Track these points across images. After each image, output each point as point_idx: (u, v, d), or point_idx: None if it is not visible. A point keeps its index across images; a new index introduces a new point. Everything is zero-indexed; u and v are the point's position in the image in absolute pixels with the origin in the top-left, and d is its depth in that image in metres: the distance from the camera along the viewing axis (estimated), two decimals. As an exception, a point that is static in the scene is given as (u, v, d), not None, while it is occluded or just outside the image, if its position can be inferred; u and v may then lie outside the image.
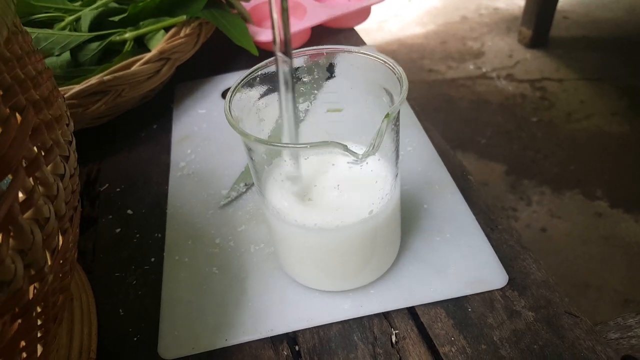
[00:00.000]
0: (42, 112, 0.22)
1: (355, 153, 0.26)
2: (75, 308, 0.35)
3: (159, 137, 0.53)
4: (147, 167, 0.50)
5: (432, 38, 2.23)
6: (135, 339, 0.35)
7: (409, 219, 0.39)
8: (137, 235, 0.42)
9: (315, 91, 0.36)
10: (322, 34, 0.67)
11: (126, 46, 0.51)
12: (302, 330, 0.34)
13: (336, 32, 0.68)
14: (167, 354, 0.33)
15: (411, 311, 0.34)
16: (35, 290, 0.21)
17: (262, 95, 0.33)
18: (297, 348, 0.33)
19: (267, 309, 0.35)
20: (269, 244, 0.39)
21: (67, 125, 0.25)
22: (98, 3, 0.52)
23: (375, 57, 0.31)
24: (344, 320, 0.34)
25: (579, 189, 1.43)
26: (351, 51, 0.32)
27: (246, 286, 0.37)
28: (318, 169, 0.30)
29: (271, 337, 0.34)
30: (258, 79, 0.33)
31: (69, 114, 0.26)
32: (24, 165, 0.19)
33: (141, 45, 0.53)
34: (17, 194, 0.19)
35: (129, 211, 0.45)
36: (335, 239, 0.31)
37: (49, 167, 0.21)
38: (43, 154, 0.21)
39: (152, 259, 0.40)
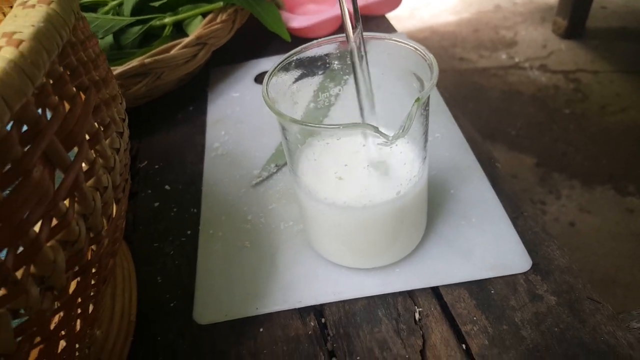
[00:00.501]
0: (101, 92, 0.24)
1: (386, 135, 0.27)
2: (118, 274, 0.37)
3: (195, 119, 0.56)
4: (183, 147, 0.52)
5: (464, 26, 2.21)
6: (171, 305, 0.37)
7: (435, 202, 0.41)
8: (175, 210, 0.45)
9: (346, 76, 0.37)
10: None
11: (165, 31, 0.54)
12: (329, 303, 0.36)
13: (367, 20, 0.69)
14: (202, 320, 0.35)
15: (435, 291, 0.36)
16: (92, 253, 0.23)
17: (297, 80, 0.35)
18: (323, 320, 0.35)
19: (296, 282, 0.37)
20: (298, 221, 0.41)
21: (121, 103, 0.27)
22: (140, -12, 0.55)
23: (407, 44, 0.32)
24: (369, 297, 0.36)
25: (611, 184, 1.41)
26: (383, 38, 0.33)
27: (276, 260, 0.39)
28: (349, 149, 0.31)
29: (299, 309, 0.36)
30: (293, 63, 0.34)
31: (121, 93, 0.29)
32: (87, 139, 0.21)
33: (180, 30, 0.56)
34: (82, 165, 0.21)
35: (167, 187, 0.47)
36: (363, 217, 0.32)
37: (107, 141, 0.23)
38: (102, 129, 0.23)
39: (188, 232, 0.42)
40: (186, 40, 0.50)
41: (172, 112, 0.57)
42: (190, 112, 0.57)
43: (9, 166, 0.18)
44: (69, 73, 0.21)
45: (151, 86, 0.49)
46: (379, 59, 0.34)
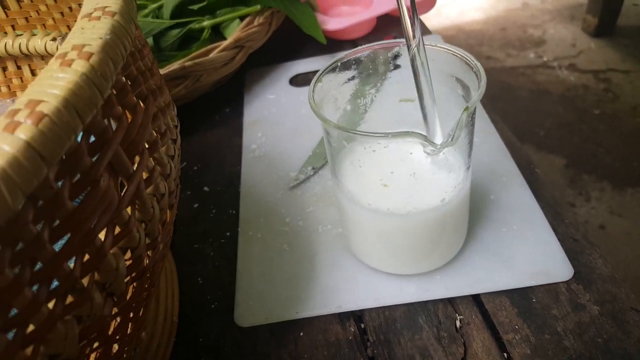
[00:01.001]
0: (157, 100, 0.24)
1: (434, 143, 0.27)
2: (161, 276, 0.38)
3: (232, 121, 0.56)
4: (221, 149, 0.53)
5: (491, 24, 2.18)
6: (212, 306, 0.38)
7: (476, 209, 0.40)
8: (214, 211, 0.45)
9: (380, 82, 0.37)
10: (388, 22, 0.68)
11: (204, 33, 0.54)
12: (369, 309, 0.36)
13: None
14: (243, 322, 0.36)
15: (476, 299, 0.35)
16: (148, 258, 0.24)
17: (340, 84, 0.35)
18: (362, 326, 0.35)
19: (335, 286, 0.37)
20: (336, 225, 0.41)
21: (173, 110, 0.28)
22: (180, -8, 0.55)
23: (453, 52, 0.32)
24: (410, 303, 0.36)
25: (642, 186, 1.39)
26: (427, 44, 0.33)
27: (315, 263, 0.39)
28: (396, 156, 0.31)
29: (339, 313, 0.36)
30: (337, 70, 0.34)
31: (172, 99, 0.29)
32: (147, 147, 0.22)
33: (217, 32, 0.56)
34: (143, 173, 0.21)
35: (206, 188, 0.48)
36: (406, 224, 0.32)
37: (163, 148, 0.24)
38: (159, 137, 0.23)
39: (228, 234, 0.43)
40: (225, 43, 0.51)
41: (209, 114, 0.58)
42: (227, 114, 0.58)
43: (78, 176, 0.18)
44: (129, 83, 0.22)
45: (190, 89, 0.50)
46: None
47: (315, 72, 0.60)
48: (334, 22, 0.63)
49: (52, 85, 0.17)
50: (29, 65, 0.43)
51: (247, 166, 0.49)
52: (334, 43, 0.65)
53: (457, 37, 2.12)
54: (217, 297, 0.38)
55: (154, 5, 0.55)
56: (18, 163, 0.14)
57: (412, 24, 0.29)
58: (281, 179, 0.47)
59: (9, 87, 0.44)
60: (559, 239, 0.38)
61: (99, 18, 0.21)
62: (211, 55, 0.50)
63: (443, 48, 0.32)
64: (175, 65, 0.48)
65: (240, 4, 0.56)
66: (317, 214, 0.43)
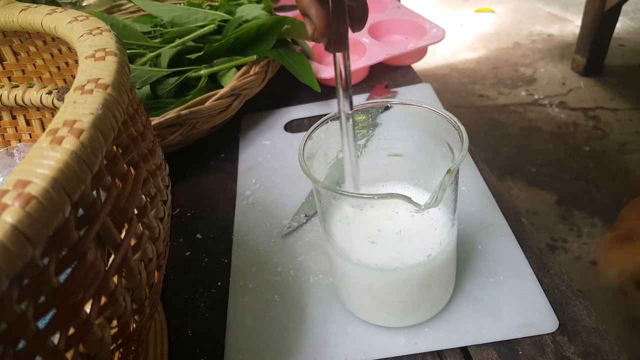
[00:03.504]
0: (148, 163, 0.25)
1: (418, 204, 0.28)
2: (151, 329, 0.38)
3: (227, 166, 0.57)
4: (215, 194, 0.53)
5: (483, 63, 2.22)
6: (202, 360, 0.38)
7: (463, 259, 0.41)
8: (205, 260, 0.46)
9: (372, 129, 0.38)
10: (380, 70, 0.70)
11: (201, 82, 0.55)
12: (358, 363, 0.36)
13: (393, 69, 0.71)
14: (232, 377, 0.36)
15: (464, 351, 0.36)
16: (134, 322, 0.24)
17: (329, 140, 0.36)
18: (352, 379, 0.35)
19: (325, 339, 0.37)
20: (327, 275, 0.42)
21: (165, 170, 0.28)
22: (177, 42, 0.57)
23: (438, 112, 0.33)
24: (399, 356, 0.36)
25: (633, 223, 1.39)
26: (413, 105, 0.34)
27: (305, 315, 0.39)
28: (382, 215, 0.32)
29: (328, 368, 0.36)
30: (327, 127, 0.35)
31: (164, 158, 0.30)
32: (135, 213, 0.22)
33: (214, 80, 0.57)
34: (131, 241, 0.22)
35: (198, 235, 0.48)
36: (394, 278, 0.33)
37: (153, 212, 0.24)
38: (149, 200, 0.24)
39: (219, 283, 0.43)
40: (221, 91, 0.52)
41: (204, 158, 0.59)
42: (222, 159, 0.58)
43: (65, 252, 0.18)
44: (120, 151, 0.23)
45: (185, 135, 0.51)
46: (410, 123, 0.35)
47: (310, 118, 0.61)
48: (329, 70, 0.64)
49: (41, 165, 0.17)
50: (24, 116, 0.43)
51: (240, 213, 0.50)
52: (328, 90, 0.66)
53: (450, 75, 2.16)
54: (207, 350, 0.38)
55: (152, 54, 0.56)
56: (3, 247, 0.14)
57: (346, 98, 0.31)
58: (274, 227, 0.47)
59: (3, 136, 0.44)
60: (544, 290, 0.38)
61: (91, 91, 0.21)
62: (207, 103, 0.51)
63: (429, 109, 0.33)
64: (171, 114, 0.49)
65: (237, 54, 0.57)
66: (308, 263, 0.43)
